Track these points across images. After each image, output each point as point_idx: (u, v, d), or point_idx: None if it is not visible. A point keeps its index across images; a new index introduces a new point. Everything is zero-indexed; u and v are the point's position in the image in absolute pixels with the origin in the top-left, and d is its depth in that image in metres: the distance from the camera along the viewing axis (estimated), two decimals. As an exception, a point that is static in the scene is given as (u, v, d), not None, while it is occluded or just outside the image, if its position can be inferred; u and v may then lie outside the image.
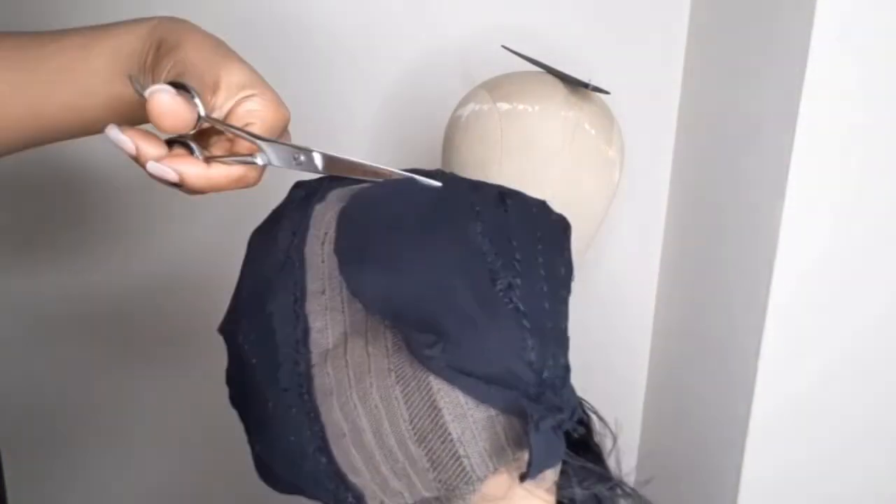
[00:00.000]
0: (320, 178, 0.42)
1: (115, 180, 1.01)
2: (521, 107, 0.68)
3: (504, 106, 0.68)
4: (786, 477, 0.71)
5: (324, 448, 0.36)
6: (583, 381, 0.95)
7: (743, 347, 0.71)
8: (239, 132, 0.39)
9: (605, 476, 0.40)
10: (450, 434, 0.34)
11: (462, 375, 0.34)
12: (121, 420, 1.11)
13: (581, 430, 0.38)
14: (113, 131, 0.40)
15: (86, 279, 1.04)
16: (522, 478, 0.33)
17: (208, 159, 0.39)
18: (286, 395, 0.36)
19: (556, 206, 0.69)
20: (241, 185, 0.41)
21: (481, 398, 0.34)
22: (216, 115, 0.40)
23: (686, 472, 0.88)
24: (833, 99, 0.61)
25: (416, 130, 0.92)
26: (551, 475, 0.38)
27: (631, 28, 0.89)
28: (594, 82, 0.69)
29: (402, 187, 0.41)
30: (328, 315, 0.37)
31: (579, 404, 0.40)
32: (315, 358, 0.36)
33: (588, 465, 0.40)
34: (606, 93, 0.71)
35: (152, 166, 0.39)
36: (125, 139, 0.40)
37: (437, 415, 0.34)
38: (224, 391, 0.42)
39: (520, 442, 0.35)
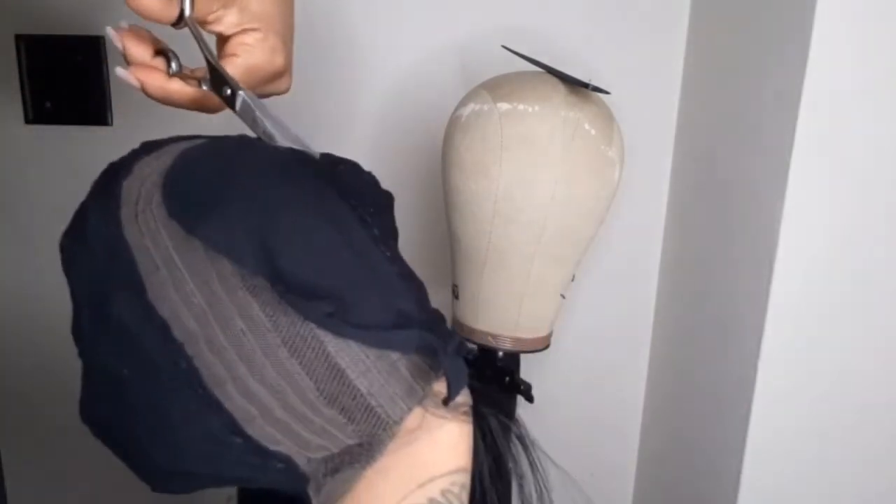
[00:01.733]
0: (122, 157, 0.40)
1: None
2: (521, 107, 0.68)
3: (504, 106, 0.68)
4: (786, 477, 0.71)
5: (237, 431, 0.34)
6: (583, 381, 0.95)
7: (743, 347, 0.71)
8: (202, 46, 0.41)
9: (505, 409, 0.42)
10: (359, 390, 0.35)
11: (360, 330, 0.34)
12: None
13: (474, 349, 0.40)
14: (108, 30, 0.45)
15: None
16: (446, 401, 0.35)
17: (176, 75, 0.43)
18: (179, 395, 0.34)
19: (557, 206, 0.69)
20: (197, 107, 0.45)
21: (383, 346, 0.35)
22: (217, 27, 0.43)
23: (686, 472, 0.88)
24: (833, 99, 0.61)
25: (416, 130, 0.92)
26: (464, 398, 0.39)
27: (631, 28, 0.89)
28: (594, 82, 0.69)
29: (243, 142, 0.39)
30: (173, 294, 0.33)
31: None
32: (190, 349, 0.33)
33: (494, 394, 0.41)
34: (606, 93, 0.71)
35: (118, 71, 0.44)
36: (115, 36, 0.44)
37: (341, 376, 0.34)
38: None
39: (427, 376, 0.37)
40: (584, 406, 1.02)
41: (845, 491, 0.71)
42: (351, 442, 0.36)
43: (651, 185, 0.94)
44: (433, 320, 0.38)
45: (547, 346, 0.78)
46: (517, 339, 0.74)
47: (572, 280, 0.76)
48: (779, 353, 0.67)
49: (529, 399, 0.70)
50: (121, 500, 1.14)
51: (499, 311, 0.72)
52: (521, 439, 0.42)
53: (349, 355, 0.34)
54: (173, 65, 0.44)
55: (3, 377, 1.09)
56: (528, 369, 0.78)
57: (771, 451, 0.70)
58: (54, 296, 1.04)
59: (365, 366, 0.34)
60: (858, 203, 0.63)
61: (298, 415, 0.34)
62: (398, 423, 0.36)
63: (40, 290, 1.05)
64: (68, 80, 0.96)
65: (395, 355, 0.35)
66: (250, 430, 0.34)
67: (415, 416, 0.37)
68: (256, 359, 0.33)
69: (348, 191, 0.38)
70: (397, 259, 0.39)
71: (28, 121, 0.98)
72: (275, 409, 0.34)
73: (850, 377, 0.68)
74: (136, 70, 0.43)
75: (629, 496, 1.06)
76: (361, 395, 0.35)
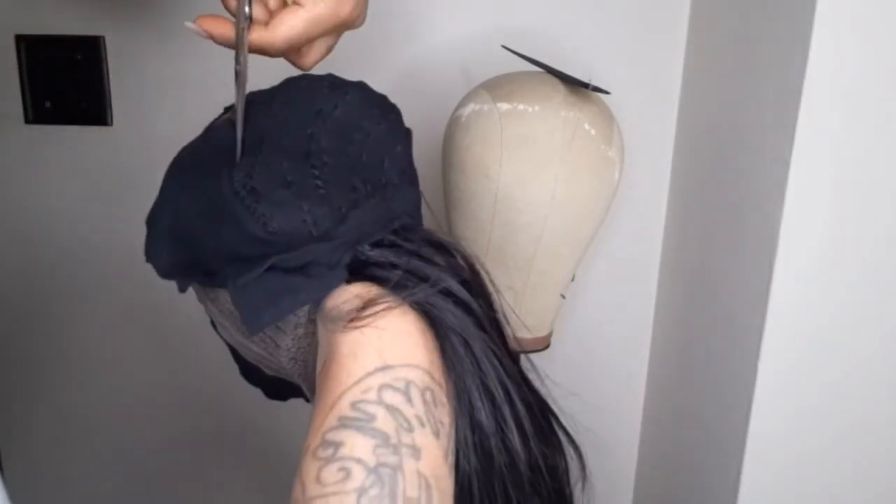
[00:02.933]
0: None
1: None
2: (521, 107, 0.68)
3: (504, 106, 0.68)
4: (786, 477, 0.71)
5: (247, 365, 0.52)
6: (583, 381, 0.96)
7: (743, 347, 0.71)
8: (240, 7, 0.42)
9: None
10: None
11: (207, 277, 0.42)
12: (120, 417, 1.11)
13: (363, 251, 0.40)
14: (187, 25, 0.45)
15: (82, 279, 1.04)
16: (249, 332, 0.38)
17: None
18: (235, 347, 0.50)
19: (557, 206, 0.69)
20: (258, 51, 0.44)
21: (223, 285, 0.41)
22: None
23: (686, 472, 0.88)
24: (833, 99, 0.61)
25: (417, 130, 0.91)
26: (349, 305, 0.38)
27: (631, 28, 0.89)
28: (594, 82, 0.69)
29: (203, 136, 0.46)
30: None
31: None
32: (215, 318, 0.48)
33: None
34: (606, 93, 0.71)
35: (187, 24, 0.44)
36: (195, 28, 0.45)
37: (234, 320, 0.45)
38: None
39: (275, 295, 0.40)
40: (584, 406, 1.02)
41: (845, 491, 0.71)
42: (279, 368, 0.47)
43: (651, 185, 0.94)
44: (265, 239, 0.38)
45: (547, 346, 0.78)
46: (517, 339, 0.74)
47: (572, 280, 0.76)
48: (779, 353, 0.67)
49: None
50: (121, 500, 1.14)
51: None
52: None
53: (226, 308, 0.45)
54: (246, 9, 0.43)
55: (2, 377, 1.09)
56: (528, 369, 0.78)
57: (771, 450, 0.70)
58: (54, 295, 1.04)
59: (227, 309, 0.45)
60: (858, 203, 0.63)
61: (253, 354, 0.48)
62: (286, 344, 0.44)
63: (40, 290, 1.05)
64: (68, 80, 0.96)
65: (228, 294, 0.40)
66: (251, 362, 0.52)
67: (325, 339, 0.39)
68: (228, 324, 0.47)
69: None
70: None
71: (28, 121, 0.98)
72: (247, 350, 0.48)
73: (850, 377, 0.68)
74: (204, 21, 0.44)
75: (629, 496, 1.06)
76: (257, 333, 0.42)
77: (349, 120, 0.42)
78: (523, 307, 0.73)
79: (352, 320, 0.37)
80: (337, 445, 0.33)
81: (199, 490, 1.13)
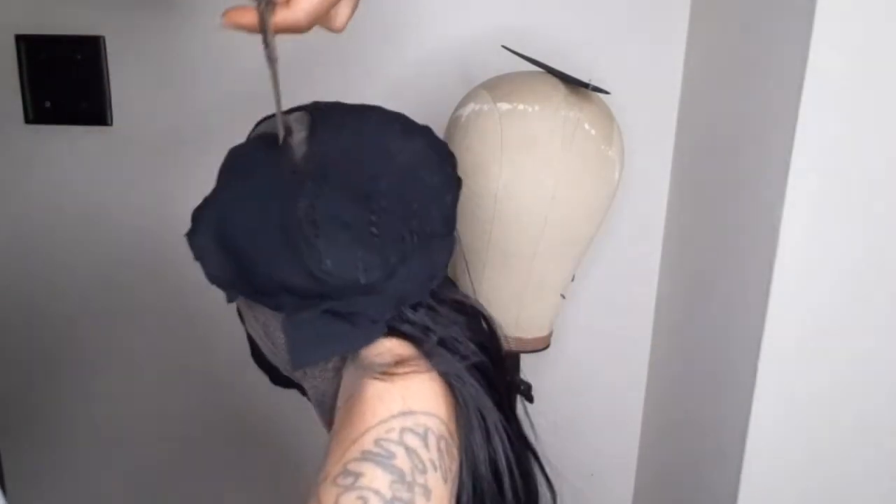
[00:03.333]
0: None
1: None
2: (521, 107, 0.68)
3: (504, 106, 0.68)
4: (786, 477, 0.71)
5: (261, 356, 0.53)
6: (583, 380, 0.95)
7: (743, 347, 0.71)
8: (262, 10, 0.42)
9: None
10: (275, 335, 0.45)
11: (262, 296, 0.43)
12: (118, 416, 1.11)
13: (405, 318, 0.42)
14: (219, 22, 0.44)
15: (77, 278, 1.04)
16: (293, 367, 0.42)
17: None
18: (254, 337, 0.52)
19: (557, 206, 0.69)
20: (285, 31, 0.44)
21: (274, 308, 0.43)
22: None
23: (687, 472, 0.88)
24: (833, 99, 0.61)
25: (416, 130, 0.92)
26: (388, 358, 0.41)
27: (631, 28, 0.89)
28: (594, 82, 0.69)
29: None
30: None
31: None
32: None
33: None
34: (606, 93, 0.71)
35: (220, 22, 0.44)
36: (225, 24, 0.44)
37: (267, 329, 0.46)
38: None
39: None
40: (585, 406, 1.02)
41: (846, 490, 0.71)
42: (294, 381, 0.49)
43: (651, 185, 0.94)
44: (320, 280, 0.39)
45: (547, 346, 0.78)
46: (517, 339, 0.74)
47: (572, 280, 0.76)
48: (779, 352, 0.67)
49: (529, 399, 0.70)
50: (121, 500, 1.14)
51: (499, 310, 0.72)
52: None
53: (265, 317, 0.46)
54: None
55: (3, 378, 1.09)
56: (529, 369, 0.78)
57: (771, 450, 0.70)
58: (54, 295, 1.04)
59: (270, 324, 0.45)
60: (859, 203, 0.63)
61: (274, 359, 0.50)
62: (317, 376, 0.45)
63: (40, 290, 1.05)
64: (68, 80, 0.96)
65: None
66: (266, 355, 0.52)
67: (351, 379, 0.41)
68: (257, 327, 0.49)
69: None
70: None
71: (28, 121, 0.98)
72: (262, 342, 0.49)
73: (850, 376, 0.68)
74: (229, 15, 0.44)
75: (629, 496, 1.06)
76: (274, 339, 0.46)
77: (411, 166, 0.43)
78: (523, 307, 0.73)
79: (383, 373, 0.39)
80: (357, 476, 0.36)
81: (206, 491, 1.13)
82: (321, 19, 0.45)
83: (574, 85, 0.70)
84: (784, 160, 0.63)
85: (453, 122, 0.73)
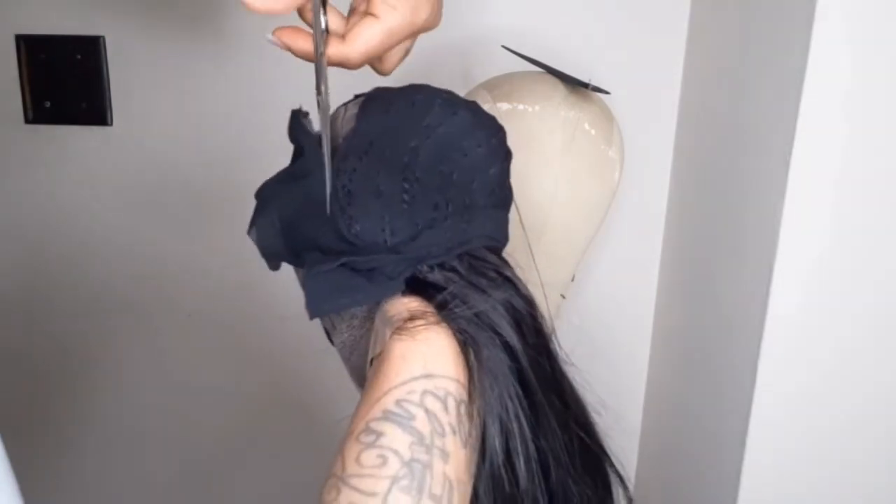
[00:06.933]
0: None
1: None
2: (521, 107, 0.68)
3: (504, 106, 0.68)
4: (786, 477, 0.71)
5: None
6: (583, 380, 0.96)
7: (743, 347, 0.71)
8: (316, 36, 0.44)
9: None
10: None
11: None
12: (119, 415, 1.11)
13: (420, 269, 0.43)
14: (268, 37, 0.46)
15: (72, 277, 1.04)
16: (310, 315, 0.42)
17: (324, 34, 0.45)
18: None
19: (557, 206, 0.69)
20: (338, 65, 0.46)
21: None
22: None
23: (686, 471, 0.88)
24: (833, 99, 0.61)
25: (416, 130, 0.92)
26: (403, 313, 0.42)
27: (631, 28, 0.89)
28: (594, 82, 0.69)
29: None
30: None
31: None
32: None
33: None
34: (606, 93, 0.71)
35: (268, 37, 0.45)
36: (275, 41, 0.46)
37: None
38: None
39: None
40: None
41: (846, 489, 0.71)
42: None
43: (651, 185, 0.94)
44: (345, 238, 0.42)
45: (547, 346, 0.78)
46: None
47: (572, 280, 0.76)
48: (779, 352, 0.67)
49: None
50: (120, 500, 1.15)
51: (499, 311, 0.72)
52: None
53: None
54: (322, 21, 0.45)
55: (3, 378, 1.09)
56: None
57: (771, 449, 0.70)
58: (54, 295, 1.04)
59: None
60: (859, 203, 0.63)
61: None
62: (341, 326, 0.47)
63: (40, 289, 1.05)
64: (68, 80, 0.96)
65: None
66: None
67: (379, 334, 0.42)
68: None
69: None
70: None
71: (28, 121, 0.98)
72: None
73: (850, 375, 0.68)
74: (282, 33, 0.45)
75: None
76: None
77: (451, 138, 0.45)
78: (523, 307, 0.73)
79: (398, 329, 0.40)
80: (378, 434, 0.37)
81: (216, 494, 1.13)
82: (372, 60, 0.47)
83: (574, 85, 0.70)
84: (784, 160, 0.63)
85: (453, 122, 0.73)
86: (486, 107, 0.69)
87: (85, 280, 1.03)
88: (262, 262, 0.48)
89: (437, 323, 0.41)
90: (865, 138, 0.62)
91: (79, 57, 0.95)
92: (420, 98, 0.46)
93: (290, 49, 0.45)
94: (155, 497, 1.13)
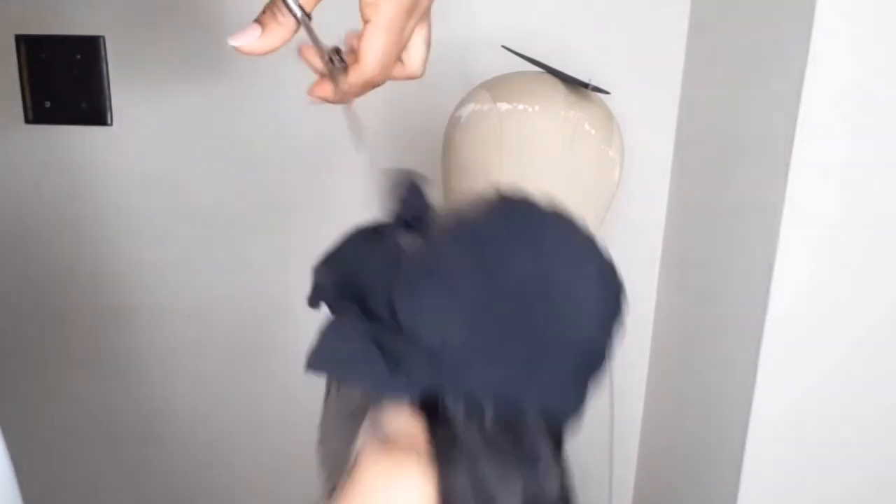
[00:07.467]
0: None
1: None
2: (521, 107, 0.68)
3: (504, 106, 0.68)
4: (786, 477, 0.71)
5: None
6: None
7: (743, 347, 0.71)
8: (319, 48, 0.43)
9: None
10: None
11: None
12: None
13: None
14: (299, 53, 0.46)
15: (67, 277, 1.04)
16: (306, 364, 0.35)
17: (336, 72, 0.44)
18: None
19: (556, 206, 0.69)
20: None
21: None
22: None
23: (687, 469, 0.88)
24: (833, 99, 0.61)
25: (416, 130, 0.92)
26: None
27: (631, 28, 0.89)
28: (594, 82, 0.69)
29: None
30: None
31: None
32: None
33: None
34: (606, 93, 0.71)
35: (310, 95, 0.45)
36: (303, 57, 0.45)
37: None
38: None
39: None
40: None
41: (846, 488, 0.71)
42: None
43: (651, 185, 0.94)
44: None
45: (547, 346, 0.78)
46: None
47: (572, 280, 0.76)
48: (779, 350, 0.67)
49: None
50: (120, 499, 1.15)
51: (499, 311, 0.72)
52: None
53: None
54: (335, 61, 0.44)
55: (3, 378, 1.09)
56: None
57: (772, 447, 0.70)
58: (54, 295, 1.04)
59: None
60: (859, 203, 0.63)
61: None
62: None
63: (39, 289, 1.05)
64: (68, 80, 0.96)
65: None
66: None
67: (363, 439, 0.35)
68: None
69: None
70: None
71: (28, 121, 0.98)
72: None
73: (850, 373, 0.68)
74: (313, 90, 0.45)
75: (629, 496, 1.06)
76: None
77: (564, 283, 0.38)
78: (523, 307, 0.73)
79: (378, 438, 0.34)
80: None
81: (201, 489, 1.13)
82: (393, 66, 0.45)
83: (574, 85, 0.70)
84: (784, 160, 0.63)
85: (453, 122, 0.73)
86: (486, 107, 0.69)
87: (84, 280, 1.03)
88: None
89: (419, 456, 0.33)
90: (865, 138, 0.62)
91: (79, 57, 0.95)
92: (552, 225, 0.41)
93: (323, 100, 0.45)
94: (155, 497, 1.13)
